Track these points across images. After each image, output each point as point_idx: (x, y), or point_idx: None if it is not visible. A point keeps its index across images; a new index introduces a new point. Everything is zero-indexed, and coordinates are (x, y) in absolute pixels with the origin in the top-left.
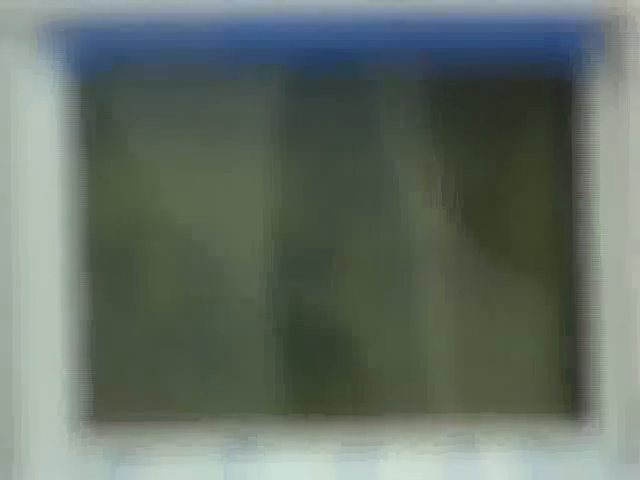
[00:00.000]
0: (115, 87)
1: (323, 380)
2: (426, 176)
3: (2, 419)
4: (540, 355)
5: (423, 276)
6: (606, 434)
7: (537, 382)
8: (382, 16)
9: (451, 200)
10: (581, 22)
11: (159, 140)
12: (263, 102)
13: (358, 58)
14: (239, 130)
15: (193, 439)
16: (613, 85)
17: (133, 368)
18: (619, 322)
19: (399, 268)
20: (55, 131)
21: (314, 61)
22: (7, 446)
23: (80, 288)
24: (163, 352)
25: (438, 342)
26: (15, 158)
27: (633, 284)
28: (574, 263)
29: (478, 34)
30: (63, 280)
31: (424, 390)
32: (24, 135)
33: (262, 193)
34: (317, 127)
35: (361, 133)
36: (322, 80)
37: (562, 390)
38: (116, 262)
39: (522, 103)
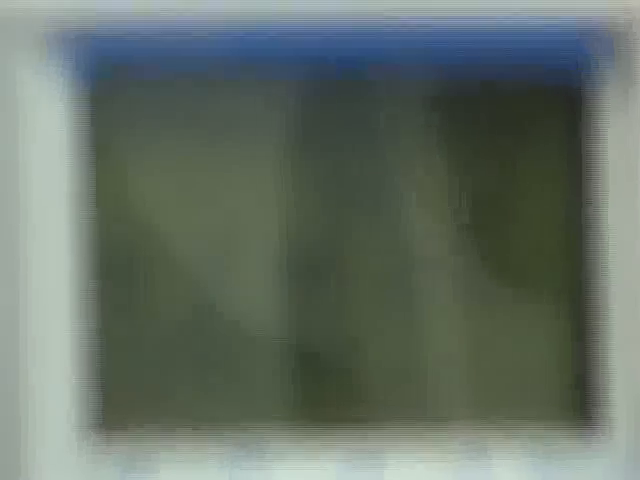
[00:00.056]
0: (125, 95)
1: (330, 387)
2: (437, 183)
3: (11, 427)
4: (549, 361)
5: (432, 283)
6: (616, 441)
7: (546, 389)
8: (389, 23)
9: (460, 206)
10: (591, 28)
11: (169, 148)
12: (273, 108)
13: (365, 64)
14: (252, 137)
15: (202, 447)
16: (623, 91)
17: (143, 376)
18: (629, 329)
19: (410, 276)
20: (64, 139)
21: (320, 67)
22: (16, 454)
23: (89, 296)
24: (172, 360)
25: (446, 349)
26: (23, 166)
27: None
28: (583, 269)
29: (486, 41)
30: (72, 288)
31: (433, 398)
32: (33, 142)
33: (274, 196)
34: (325, 133)
35: (374, 138)
36: (330, 83)
37: (571, 397)
38: (125, 270)
39: (531, 109)
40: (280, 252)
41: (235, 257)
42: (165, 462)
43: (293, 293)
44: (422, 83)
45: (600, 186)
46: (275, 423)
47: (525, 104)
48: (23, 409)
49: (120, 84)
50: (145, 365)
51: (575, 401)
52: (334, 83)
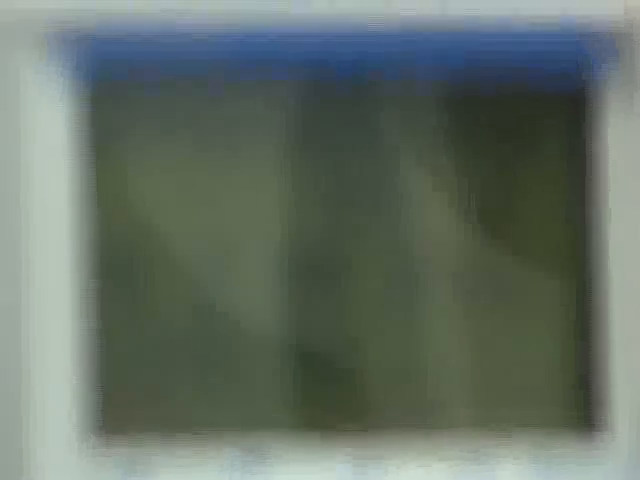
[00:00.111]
0: (126, 96)
1: (331, 390)
2: (442, 185)
3: (11, 429)
4: (550, 363)
5: (433, 284)
6: (618, 443)
7: (547, 391)
8: (388, 26)
9: (461, 207)
10: (594, 31)
11: (169, 148)
12: (273, 109)
13: (365, 66)
14: (252, 138)
15: (202, 450)
16: (625, 93)
17: (143, 378)
18: (631, 330)
19: (411, 276)
20: (64, 139)
21: (320, 68)
22: (16, 456)
23: (89, 296)
24: (174, 362)
25: (446, 350)
26: (25, 166)
27: None
28: (585, 270)
29: (488, 43)
30: (72, 288)
31: (435, 401)
32: (33, 143)
33: (274, 196)
34: (325, 134)
35: (374, 139)
36: (330, 85)
37: (573, 399)
38: (125, 270)
39: (533, 112)
40: (280, 252)
41: (235, 257)
42: (165, 465)
43: (293, 293)
44: (422, 84)
45: (602, 188)
46: (276, 427)
47: (527, 106)
48: (23, 411)
49: (120, 85)
50: (145, 366)
51: (577, 403)
52: (334, 84)
